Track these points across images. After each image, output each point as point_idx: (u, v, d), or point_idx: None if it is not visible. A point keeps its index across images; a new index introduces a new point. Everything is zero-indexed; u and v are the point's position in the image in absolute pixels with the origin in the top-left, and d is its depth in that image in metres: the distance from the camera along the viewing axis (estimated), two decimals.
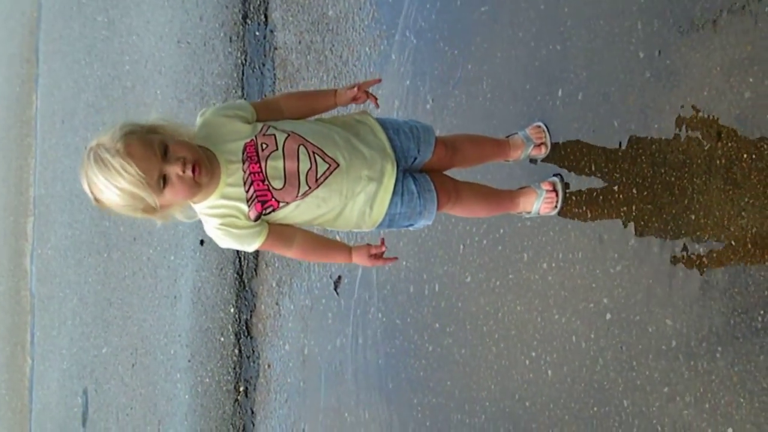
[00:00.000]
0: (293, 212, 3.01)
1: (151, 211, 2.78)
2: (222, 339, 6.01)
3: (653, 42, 3.17)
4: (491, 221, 3.88)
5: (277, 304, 5.46)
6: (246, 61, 5.82)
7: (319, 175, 2.99)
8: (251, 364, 5.73)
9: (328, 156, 3.02)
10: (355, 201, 3.08)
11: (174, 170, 2.72)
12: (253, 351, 5.70)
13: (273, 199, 2.95)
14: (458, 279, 4.06)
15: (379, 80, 3.41)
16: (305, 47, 5.26)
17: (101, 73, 8.11)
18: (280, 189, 2.94)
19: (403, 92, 4.44)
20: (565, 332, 3.49)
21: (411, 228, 3.33)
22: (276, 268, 5.49)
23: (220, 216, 2.92)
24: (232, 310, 5.90)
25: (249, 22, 5.82)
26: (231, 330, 5.91)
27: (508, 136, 3.66)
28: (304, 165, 2.97)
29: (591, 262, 3.39)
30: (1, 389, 10.87)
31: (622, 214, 3.27)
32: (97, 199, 2.80)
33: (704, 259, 2.96)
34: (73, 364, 8.53)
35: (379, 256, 3.18)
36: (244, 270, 5.80)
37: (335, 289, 4.90)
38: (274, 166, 2.93)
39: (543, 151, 3.62)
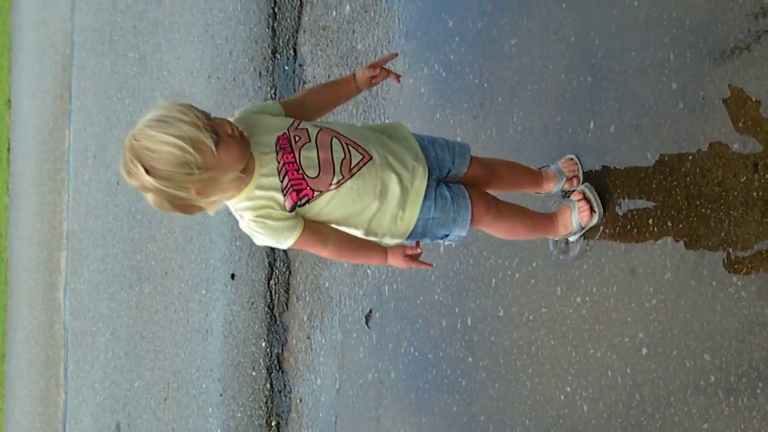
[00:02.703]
0: (328, 206, 2.99)
1: (202, 186, 2.75)
2: (253, 373, 5.98)
3: (686, 73, 3.14)
4: (523, 254, 3.84)
5: (308, 338, 5.44)
6: (276, 95, 5.83)
7: (353, 165, 3.00)
8: (283, 398, 5.70)
9: (361, 147, 3.05)
10: (387, 202, 3.07)
11: (224, 129, 2.73)
12: (285, 385, 5.68)
13: (308, 188, 2.94)
14: (491, 313, 4.02)
15: (396, 54, 3.48)
16: None
17: (133, 109, 8.16)
18: (315, 177, 2.95)
19: (433, 125, 4.42)
20: (600, 367, 3.44)
21: (446, 241, 3.29)
22: (307, 302, 5.47)
23: (255, 208, 2.91)
24: (263, 344, 5.88)
25: (278, 56, 5.84)
26: (262, 364, 5.89)
27: (540, 168, 3.63)
28: (338, 154, 2.98)
29: (626, 295, 3.35)
30: (35, 423, 10.89)
31: (656, 247, 3.23)
32: (148, 169, 2.67)
33: (743, 292, 2.91)
34: (106, 398, 8.54)
35: (414, 258, 3.11)
36: (275, 304, 5.79)
37: (366, 323, 4.87)
38: (308, 156, 2.95)
39: (575, 184, 3.58)
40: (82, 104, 9.73)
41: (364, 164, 3.03)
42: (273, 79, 5.87)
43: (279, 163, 2.93)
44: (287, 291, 5.69)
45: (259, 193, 2.91)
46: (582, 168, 3.57)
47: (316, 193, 2.96)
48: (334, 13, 5.33)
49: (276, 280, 5.78)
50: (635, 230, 3.32)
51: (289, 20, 5.77)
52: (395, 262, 3.13)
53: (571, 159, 3.61)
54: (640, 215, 3.31)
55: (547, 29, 3.80)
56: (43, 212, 10.95)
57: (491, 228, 3.39)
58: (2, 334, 13.00)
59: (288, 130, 2.96)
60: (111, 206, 8.54)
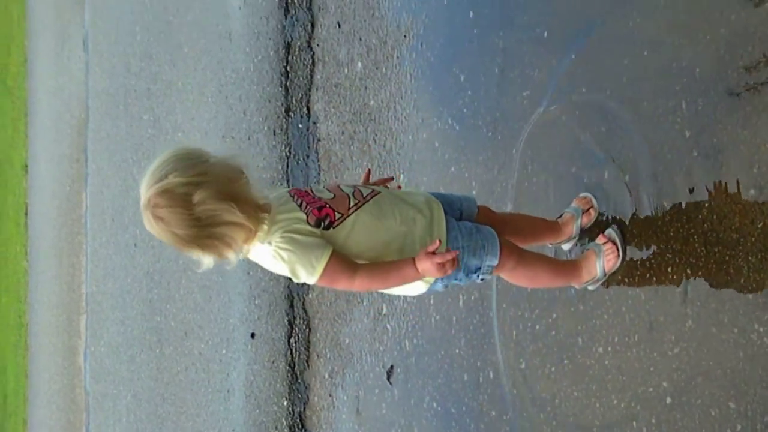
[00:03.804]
0: (353, 231, 2.97)
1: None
2: None
3: (699, 121, 3.15)
4: (543, 306, 3.83)
5: (330, 395, 5.42)
6: (290, 153, 5.86)
7: (365, 195, 3.07)
8: None
9: (369, 186, 3.16)
10: (413, 228, 3.06)
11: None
12: None
13: (327, 207, 2.96)
14: (512, 365, 4.00)
15: (392, 179, 3.44)
16: (348, 138, 5.29)
17: None
18: (331, 199, 2.99)
19: (449, 179, 4.44)
20: (625, 417, 3.41)
21: (480, 275, 3.20)
22: (328, 359, 5.45)
23: (281, 227, 2.89)
24: (285, 403, 5.86)
25: (292, 114, 5.88)
26: (285, 423, 5.86)
27: (557, 218, 3.64)
28: (347, 190, 3.07)
29: (648, 344, 3.33)
30: None
31: (677, 294, 3.22)
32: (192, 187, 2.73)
33: (765, 338, 2.89)
34: None
35: (444, 261, 2.90)
36: (296, 362, 5.77)
37: (388, 379, 4.86)
38: (319, 190, 3.06)
39: (593, 215, 3.57)
40: (98, 167, 9.80)
41: (375, 195, 3.09)
42: (287, 137, 5.91)
43: (293, 196, 2.99)
44: (308, 348, 5.68)
45: (281, 216, 2.91)
46: (596, 200, 3.57)
47: (337, 215, 2.96)
48: (346, 71, 5.37)
49: (296, 337, 5.77)
50: (654, 278, 3.32)
51: (301, 78, 5.82)
52: (428, 272, 2.96)
53: (584, 195, 3.61)
54: (658, 263, 3.30)
55: (557, 80, 3.82)
56: (62, 276, 10.99)
57: (513, 274, 3.36)
58: (24, 400, 12.98)
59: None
60: (129, 268, 8.57)
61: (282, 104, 5.98)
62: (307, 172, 5.69)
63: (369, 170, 3.48)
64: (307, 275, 2.92)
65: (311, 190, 3.06)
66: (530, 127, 3.96)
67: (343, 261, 2.95)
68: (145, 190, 2.77)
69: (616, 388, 3.46)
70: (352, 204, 3.02)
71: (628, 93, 3.45)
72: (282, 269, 2.94)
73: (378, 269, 3.01)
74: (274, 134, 6.03)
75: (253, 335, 6.24)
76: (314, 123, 5.65)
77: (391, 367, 4.85)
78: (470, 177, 4.31)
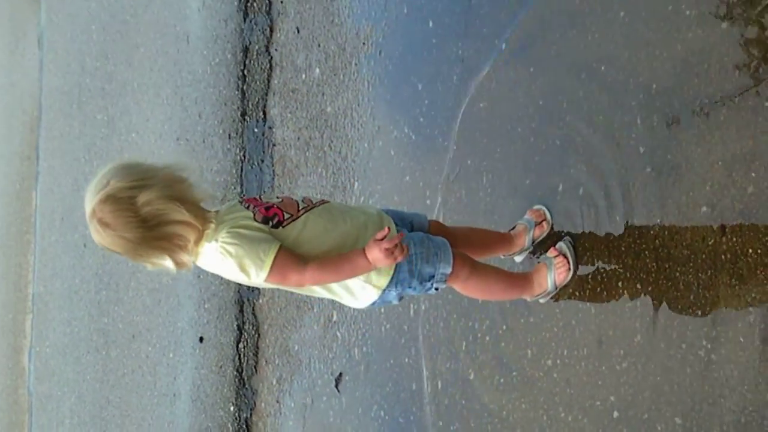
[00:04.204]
0: (303, 232, 2.97)
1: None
2: None
3: (653, 137, 3.17)
4: (494, 317, 3.83)
5: (277, 402, 5.38)
6: (245, 157, 5.83)
7: (314, 202, 3.09)
8: None
9: (318, 198, 3.18)
10: (365, 233, 3.05)
11: None
12: None
13: (275, 207, 2.96)
14: (461, 376, 4.00)
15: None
16: (304, 143, 5.27)
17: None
18: (280, 202, 3.00)
19: (403, 188, 4.43)
20: (572, 431, 3.41)
21: (434, 285, 3.18)
22: (276, 366, 5.41)
23: (227, 225, 2.87)
24: (231, 408, 5.81)
25: (248, 118, 5.85)
26: (231, 429, 5.81)
27: (510, 231, 3.64)
28: (297, 198, 3.09)
29: (596, 358, 3.34)
30: None
31: (627, 309, 3.23)
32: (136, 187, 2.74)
33: (712, 355, 2.91)
34: None
35: (392, 249, 2.86)
36: (244, 367, 5.73)
37: (336, 386, 4.83)
38: (269, 196, 3.14)
39: (546, 228, 3.58)
40: (49, 166, 9.68)
41: (324, 203, 3.11)
42: (242, 141, 5.87)
43: (242, 202, 3.00)
44: (256, 354, 5.64)
45: (228, 216, 2.91)
46: (550, 213, 3.58)
47: (286, 215, 2.96)
48: (303, 76, 5.35)
49: (245, 343, 5.73)
50: (605, 293, 3.33)
51: (258, 83, 5.79)
52: (378, 260, 2.90)
53: (537, 208, 3.62)
54: (609, 277, 3.32)
55: (515, 92, 3.83)
56: (9, 275, 10.82)
57: (466, 285, 3.36)
58: None
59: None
60: (78, 268, 8.45)
61: (238, 108, 5.95)
62: (261, 177, 5.65)
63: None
64: (256, 270, 2.88)
65: (261, 197, 3.07)
66: (486, 138, 3.96)
67: (292, 254, 2.92)
68: (89, 201, 2.77)
69: (563, 401, 3.46)
70: (301, 207, 3.03)
71: (584, 106, 3.47)
72: (230, 268, 2.90)
73: (328, 261, 2.98)
74: (230, 138, 5.99)
75: (201, 339, 6.18)
76: (270, 128, 5.62)
77: (340, 374, 4.83)
78: (425, 186, 4.31)
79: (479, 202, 3.96)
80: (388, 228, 2.95)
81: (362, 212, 3.17)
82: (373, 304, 3.23)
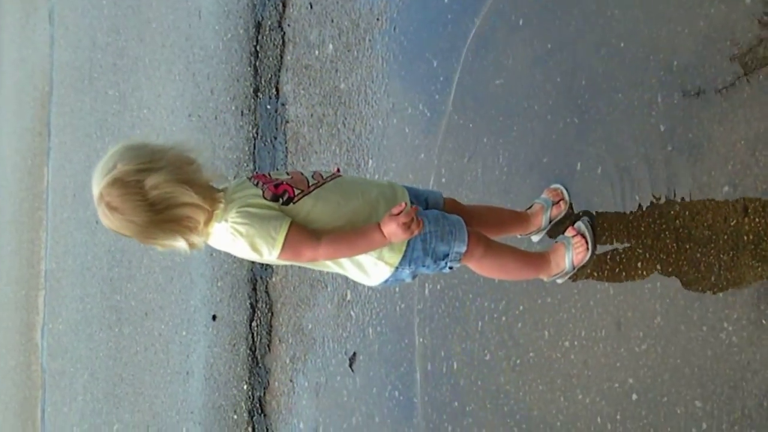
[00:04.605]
0: (314, 209, 2.91)
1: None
2: (235, 416, 5.88)
3: (674, 115, 3.11)
4: (510, 297, 3.78)
5: (291, 380, 5.35)
6: (257, 134, 5.78)
7: (325, 177, 3.02)
8: None
9: (329, 172, 3.10)
10: (378, 208, 3.00)
11: None
12: (267, 429, 5.58)
13: (285, 184, 2.91)
14: (477, 357, 3.96)
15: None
16: (317, 120, 5.21)
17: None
18: (290, 179, 2.94)
19: (418, 166, 4.38)
20: (589, 413, 3.37)
21: (448, 264, 3.14)
22: (290, 344, 5.38)
23: (236, 205, 2.83)
24: (245, 387, 5.79)
25: (260, 95, 5.79)
26: (244, 407, 5.79)
27: (526, 210, 3.59)
28: (307, 173, 3.02)
29: (615, 340, 3.29)
30: None
31: (646, 290, 3.18)
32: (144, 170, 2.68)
33: (734, 338, 2.86)
34: None
35: (408, 223, 2.83)
36: (257, 346, 5.70)
37: (350, 366, 4.80)
38: (278, 173, 3.01)
39: (563, 207, 3.53)
40: (60, 142, 9.65)
41: (336, 177, 3.05)
42: (255, 118, 5.82)
43: (250, 179, 2.95)
44: (269, 333, 5.61)
45: (237, 195, 2.86)
46: (567, 192, 3.53)
47: (296, 191, 2.90)
48: (316, 52, 5.29)
49: (258, 321, 5.70)
50: (624, 273, 3.28)
51: (271, 59, 5.73)
52: (394, 235, 2.85)
53: (554, 187, 3.57)
54: (628, 258, 3.26)
55: (532, 70, 3.77)
56: (21, 251, 10.82)
57: (481, 264, 3.31)
58: None
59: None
60: (90, 245, 8.43)
61: (251, 84, 5.89)
62: (274, 154, 5.60)
63: (338, 168, 3.43)
64: (269, 248, 2.83)
65: (270, 174, 3.01)
66: (503, 116, 3.91)
67: (304, 230, 2.87)
68: (96, 184, 2.72)
69: (581, 383, 3.42)
70: (311, 183, 2.97)
71: (603, 84, 3.41)
72: (242, 248, 2.86)
73: (343, 236, 2.93)
74: (242, 114, 5.94)
75: (214, 317, 6.16)
76: (283, 104, 5.57)
77: (354, 354, 4.79)
78: (440, 164, 4.26)
79: (495, 181, 3.91)
80: (405, 203, 2.90)
81: (375, 185, 3.13)
82: (386, 281, 3.18)
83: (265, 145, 5.71)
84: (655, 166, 3.17)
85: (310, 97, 5.31)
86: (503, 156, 3.88)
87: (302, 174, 3.02)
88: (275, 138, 5.61)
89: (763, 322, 2.77)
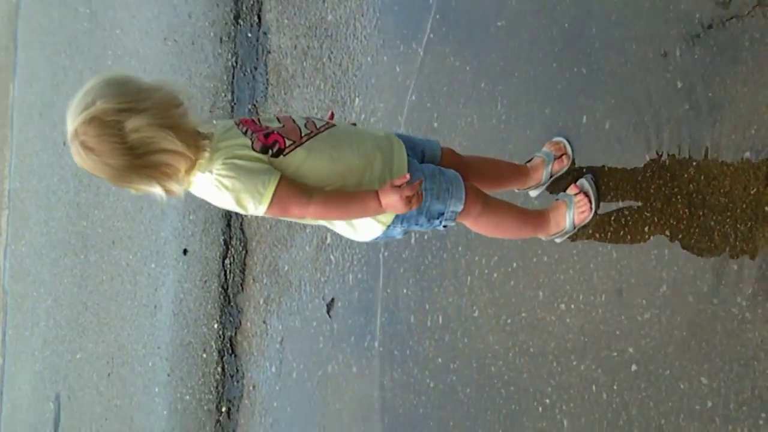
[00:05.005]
0: (305, 163, 2.68)
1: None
2: (204, 355, 5.71)
3: (694, 71, 2.90)
4: (503, 253, 3.60)
5: (264, 322, 5.16)
6: (237, 63, 5.51)
7: (318, 126, 2.78)
8: (235, 383, 5.43)
9: (323, 120, 2.86)
10: (374, 162, 2.78)
11: None
12: (237, 370, 5.41)
13: (276, 133, 2.67)
14: (465, 313, 3.78)
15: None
16: (301, 52, 4.95)
17: (82, 67, 7.77)
18: (281, 127, 2.70)
19: (409, 107, 4.15)
20: (584, 380, 3.21)
21: (443, 222, 2.94)
22: (264, 285, 5.19)
23: (222, 155, 2.59)
24: (215, 325, 5.60)
25: (241, 22, 5.51)
26: (214, 346, 5.61)
27: (525, 163, 3.39)
28: (300, 121, 2.78)
29: (616, 306, 3.12)
30: None
31: (652, 257, 3.00)
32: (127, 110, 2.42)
33: (747, 313, 2.69)
34: (45, 368, 8.20)
35: (411, 198, 2.66)
36: (230, 284, 5.50)
37: (328, 312, 4.61)
38: (268, 118, 2.77)
39: (566, 162, 3.33)
40: (28, 57, 9.31)
41: (330, 127, 2.81)
42: (235, 46, 5.55)
43: (238, 125, 2.69)
44: (243, 271, 5.41)
45: (223, 144, 2.61)
46: (571, 146, 3.32)
47: (288, 143, 2.66)
48: None
49: (231, 259, 5.49)
50: (629, 236, 3.09)
51: None
52: (393, 207, 2.69)
53: (557, 140, 3.37)
54: (635, 221, 3.07)
55: (538, 13, 3.53)
56: None
57: (478, 222, 3.11)
58: None
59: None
60: (56, 167, 8.15)
61: (231, 10, 5.61)
62: (254, 85, 5.35)
63: (332, 113, 3.16)
64: (255, 204, 2.61)
65: (259, 119, 2.76)
66: (503, 61, 3.68)
67: (294, 186, 2.65)
68: (71, 120, 2.45)
69: (576, 349, 3.25)
70: (304, 134, 2.72)
71: (617, 34, 3.18)
72: (227, 201, 2.63)
73: (336, 198, 2.72)
74: (221, 42, 5.66)
75: (185, 251, 5.94)
76: (265, 33, 5.30)
77: (332, 300, 4.60)
78: (432, 108, 4.03)
79: (492, 130, 3.69)
80: (409, 174, 2.69)
81: (370, 137, 2.89)
82: (376, 239, 2.98)
83: (244, 75, 5.45)
84: (669, 125, 2.96)
85: (294, 28, 5.04)
86: (502, 104, 3.66)
87: (294, 121, 2.78)
88: (255, 68, 5.35)
89: None
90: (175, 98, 2.54)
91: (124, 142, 2.46)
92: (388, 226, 2.89)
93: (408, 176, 2.68)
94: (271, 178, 2.60)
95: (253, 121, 2.73)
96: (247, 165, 2.59)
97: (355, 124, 3.18)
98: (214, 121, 2.72)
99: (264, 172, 2.60)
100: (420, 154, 3.03)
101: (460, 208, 2.94)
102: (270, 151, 2.63)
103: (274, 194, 2.60)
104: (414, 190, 2.66)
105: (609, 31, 3.21)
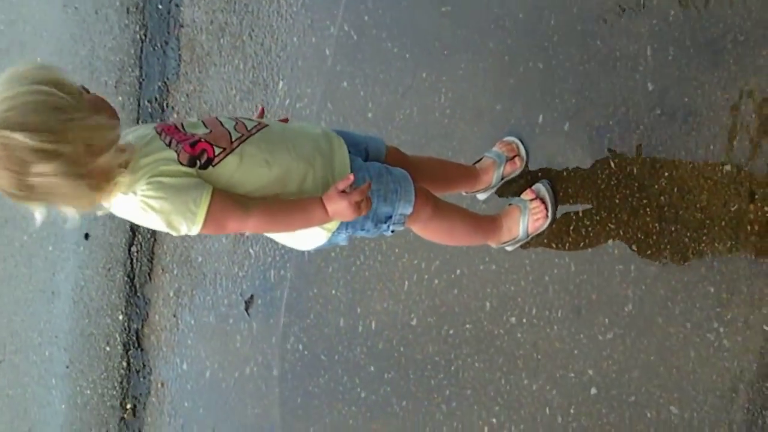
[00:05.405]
0: (237, 172, 2.35)
1: (89, 135, 2.11)
2: (107, 348, 5.33)
3: (667, 73, 2.67)
4: (445, 258, 3.34)
5: (174, 316, 4.82)
6: (145, 36, 5.11)
7: (249, 128, 2.44)
8: (141, 379, 5.08)
9: (254, 119, 2.52)
10: (314, 164, 2.47)
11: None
12: (144, 365, 5.06)
13: (203, 141, 2.32)
14: (401, 319, 3.51)
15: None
16: (218, 28, 4.59)
17: None
18: (208, 133, 2.36)
19: (339, 95, 3.84)
20: (536, 401, 2.98)
21: (390, 227, 2.66)
22: (174, 276, 4.84)
23: (145, 173, 2.24)
24: (120, 317, 5.23)
25: None
26: (119, 339, 5.24)
27: (474, 163, 3.12)
28: (228, 124, 2.43)
29: (574, 323, 2.89)
30: None
31: (617, 272, 2.77)
32: (15, 128, 2.01)
33: (725, 341, 2.49)
34: None
35: (360, 203, 2.38)
36: (136, 273, 5.13)
37: (246, 310, 4.30)
38: (192, 123, 2.42)
39: (519, 165, 3.08)
40: None
41: (262, 128, 2.47)
42: (143, 18, 5.14)
43: (160, 134, 2.34)
44: (151, 260, 5.04)
45: (145, 160, 2.25)
46: (524, 147, 3.07)
47: (217, 150, 2.32)
48: None
49: (138, 246, 5.12)
50: (589, 249, 2.86)
51: None
52: (340, 214, 2.39)
53: (509, 140, 3.11)
54: (597, 232, 2.84)
55: (489, 0, 3.25)
56: None
57: (427, 227, 2.83)
58: None
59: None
60: None
61: None
62: (164, 61, 4.96)
63: (263, 108, 2.83)
64: (188, 225, 2.28)
65: (182, 125, 2.40)
66: (448, 50, 3.39)
67: (229, 199, 2.32)
68: None
69: (528, 367, 3.02)
70: (234, 138, 2.38)
71: (578, 27, 2.93)
72: (155, 222, 2.28)
73: (278, 208, 2.40)
74: (128, 12, 5.25)
75: (87, 236, 5.53)
76: (177, 6, 4.91)
77: (251, 297, 4.29)
78: (366, 97, 3.72)
79: (434, 124, 3.41)
80: (351, 175, 2.39)
81: (307, 136, 2.56)
82: (319, 247, 2.69)
83: (154, 49, 5.05)
84: (638, 130, 2.73)
85: (210, 1, 4.66)
86: (446, 96, 3.38)
87: (221, 124, 2.43)
88: (166, 43, 4.96)
89: (765, 328, 2.40)
90: (108, 141, 2.17)
91: (23, 179, 2.10)
92: (333, 233, 2.59)
93: (352, 177, 2.37)
94: (203, 194, 2.26)
95: (175, 128, 2.38)
96: (175, 182, 2.25)
97: (287, 120, 2.85)
98: (125, 132, 2.35)
99: (194, 187, 2.27)
100: (363, 152, 2.73)
101: (409, 210, 2.66)
102: (198, 162, 2.30)
103: (207, 212, 2.27)
104: (363, 194, 2.38)
105: (570, 24, 2.96)
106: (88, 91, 2.25)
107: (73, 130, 2.06)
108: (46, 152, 2.02)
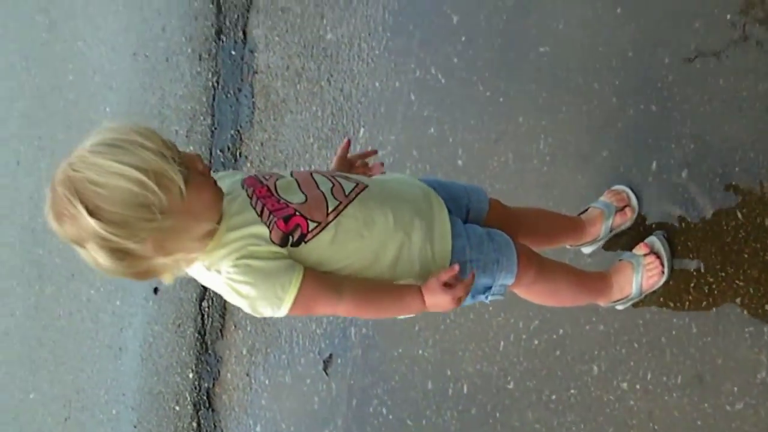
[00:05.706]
0: (331, 248, 2.13)
1: (162, 238, 1.92)
2: (177, 408, 5.12)
3: None
4: (546, 317, 3.08)
5: (247, 375, 4.60)
6: (218, 83, 4.94)
7: (347, 191, 2.20)
8: None
9: (352, 178, 2.28)
10: (412, 233, 2.23)
11: (194, 164, 1.98)
12: (215, 426, 4.83)
13: (297, 214, 2.09)
14: (496, 383, 3.25)
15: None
16: (294, 74, 4.40)
17: (40, 81, 7.16)
18: (303, 203, 2.13)
19: (426, 142, 3.61)
20: None
21: (490, 296, 2.40)
22: (248, 333, 4.62)
23: (232, 252, 2.04)
24: (190, 375, 5.03)
25: (224, 38, 4.95)
26: (189, 398, 5.03)
27: (579, 214, 2.87)
28: (325, 185, 2.19)
29: (696, 391, 2.61)
30: None
31: (746, 335, 2.50)
32: (92, 210, 1.84)
33: None
34: None
35: (461, 294, 2.15)
36: (208, 330, 4.93)
37: (325, 370, 4.06)
38: (286, 185, 2.17)
39: (629, 216, 2.83)
40: None
41: (361, 191, 2.22)
42: (216, 65, 4.98)
43: (251, 197, 2.11)
44: (223, 316, 4.83)
45: (233, 234, 2.05)
46: (635, 195, 2.82)
47: (311, 225, 2.09)
48: None
49: (210, 301, 4.92)
50: (714, 309, 2.59)
51: None
52: (439, 306, 2.17)
53: (618, 189, 2.86)
54: (722, 290, 2.57)
55: (593, 38, 3.02)
56: None
57: (530, 290, 2.58)
58: None
59: (253, 174, 2.22)
60: (10, 189, 7.52)
61: (212, 24, 5.04)
62: (237, 109, 4.78)
63: (348, 141, 2.58)
64: (273, 310, 2.07)
65: (275, 188, 2.16)
66: (546, 92, 3.16)
67: (319, 282, 2.10)
68: (67, 174, 1.87)
69: None
70: (330, 209, 2.14)
71: (697, 65, 2.68)
72: (239, 303, 2.08)
73: (371, 293, 2.17)
74: (200, 59, 5.09)
75: (156, 290, 5.35)
76: (251, 51, 4.74)
77: (330, 356, 4.05)
78: (456, 143, 3.50)
79: (533, 172, 3.17)
80: (457, 265, 2.15)
81: (408, 200, 2.30)
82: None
83: (227, 97, 4.88)
84: None
85: (286, 46, 4.48)
86: (545, 142, 3.14)
87: (316, 184, 2.19)
88: (239, 90, 4.79)
89: None
90: (187, 239, 2.00)
91: (79, 246, 1.94)
92: None
93: (457, 268, 2.13)
94: (293, 280, 2.04)
95: (268, 190, 2.15)
96: (264, 267, 2.03)
97: (382, 166, 2.60)
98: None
99: (284, 272, 2.05)
100: (464, 210, 2.48)
101: (510, 281, 2.41)
102: (291, 239, 2.08)
103: (295, 299, 2.05)
104: (467, 289, 2.16)
105: (687, 61, 2.71)
106: (201, 162, 2.05)
107: (147, 231, 1.88)
108: (108, 243, 1.85)
